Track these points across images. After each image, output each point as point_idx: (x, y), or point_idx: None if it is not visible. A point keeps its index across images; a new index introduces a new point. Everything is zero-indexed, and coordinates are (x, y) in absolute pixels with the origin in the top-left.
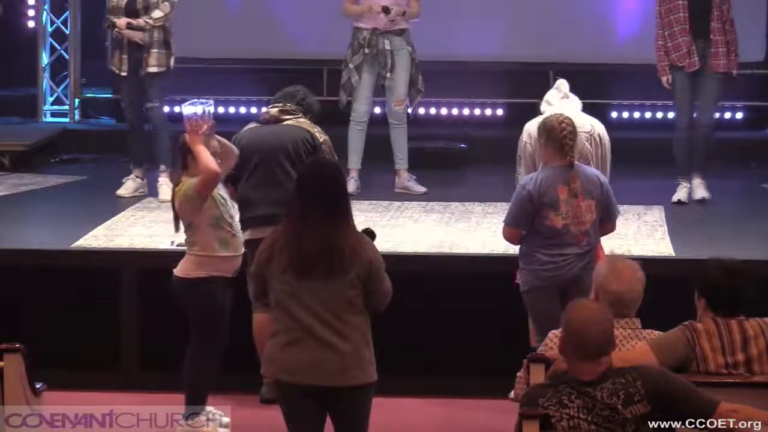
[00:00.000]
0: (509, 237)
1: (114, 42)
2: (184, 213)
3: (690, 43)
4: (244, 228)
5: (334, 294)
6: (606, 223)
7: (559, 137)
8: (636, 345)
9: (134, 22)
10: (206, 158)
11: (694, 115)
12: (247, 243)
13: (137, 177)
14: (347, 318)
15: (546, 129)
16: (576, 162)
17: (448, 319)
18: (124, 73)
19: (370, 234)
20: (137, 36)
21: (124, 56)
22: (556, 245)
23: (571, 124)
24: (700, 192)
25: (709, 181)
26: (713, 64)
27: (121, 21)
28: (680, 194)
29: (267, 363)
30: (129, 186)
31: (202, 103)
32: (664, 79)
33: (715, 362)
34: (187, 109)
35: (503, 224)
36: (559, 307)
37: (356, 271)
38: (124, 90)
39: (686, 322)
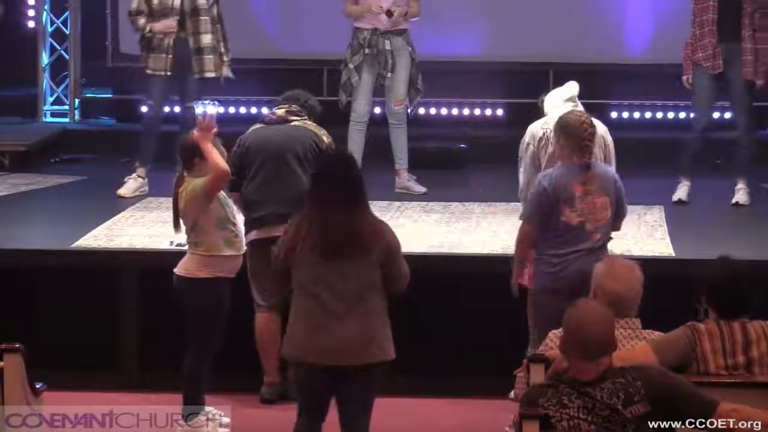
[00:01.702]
0: (523, 234)
1: (154, 41)
2: (189, 212)
3: (715, 44)
4: (249, 228)
5: (358, 276)
6: (615, 221)
7: (581, 137)
8: (636, 345)
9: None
10: (216, 157)
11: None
12: (252, 243)
13: (139, 177)
14: (369, 299)
15: (568, 128)
16: (592, 160)
17: (448, 319)
18: (168, 73)
19: None
20: (169, 25)
21: (170, 56)
22: (567, 243)
23: (593, 125)
24: (740, 197)
25: (751, 188)
26: (742, 70)
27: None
28: (680, 193)
29: (290, 345)
30: (130, 186)
31: (211, 103)
32: (684, 78)
33: (716, 363)
34: (199, 108)
35: (520, 221)
36: (563, 309)
37: (377, 253)
38: (157, 90)
39: (688, 323)
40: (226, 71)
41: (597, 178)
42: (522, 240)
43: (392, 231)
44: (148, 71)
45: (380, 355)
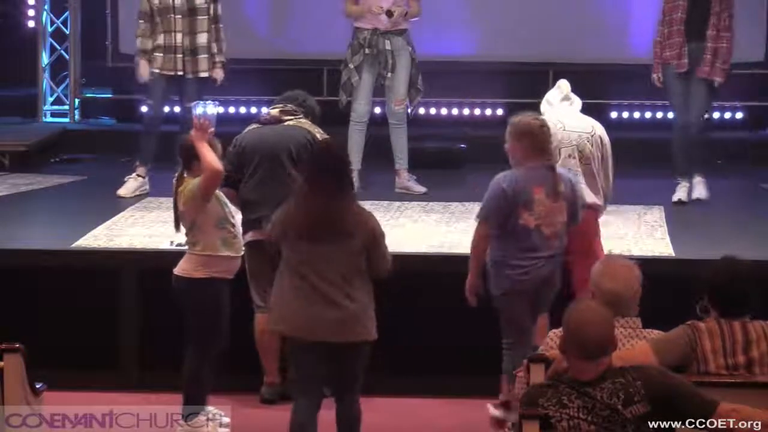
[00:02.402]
0: (479, 235)
1: (163, 45)
2: (188, 212)
3: (683, 43)
4: (246, 229)
5: (341, 259)
6: (571, 224)
7: (542, 139)
8: (636, 344)
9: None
10: (209, 156)
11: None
12: (250, 244)
13: (139, 176)
14: (353, 281)
15: (529, 130)
16: (551, 162)
17: (449, 319)
18: (180, 73)
19: None
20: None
21: (179, 56)
22: (528, 248)
23: (549, 127)
24: (698, 191)
25: (708, 180)
26: (698, 68)
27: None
28: (680, 194)
29: (280, 320)
30: (130, 186)
31: (212, 104)
32: (654, 76)
33: (716, 363)
34: (199, 108)
35: (476, 221)
36: (528, 311)
37: (360, 237)
38: (158, 90)
39: (689, 321)
40: (218, 73)
41: (559, 181)
42: (480, 242)
43: (375, 219)
44: (155, 70)
45: (364, 334)
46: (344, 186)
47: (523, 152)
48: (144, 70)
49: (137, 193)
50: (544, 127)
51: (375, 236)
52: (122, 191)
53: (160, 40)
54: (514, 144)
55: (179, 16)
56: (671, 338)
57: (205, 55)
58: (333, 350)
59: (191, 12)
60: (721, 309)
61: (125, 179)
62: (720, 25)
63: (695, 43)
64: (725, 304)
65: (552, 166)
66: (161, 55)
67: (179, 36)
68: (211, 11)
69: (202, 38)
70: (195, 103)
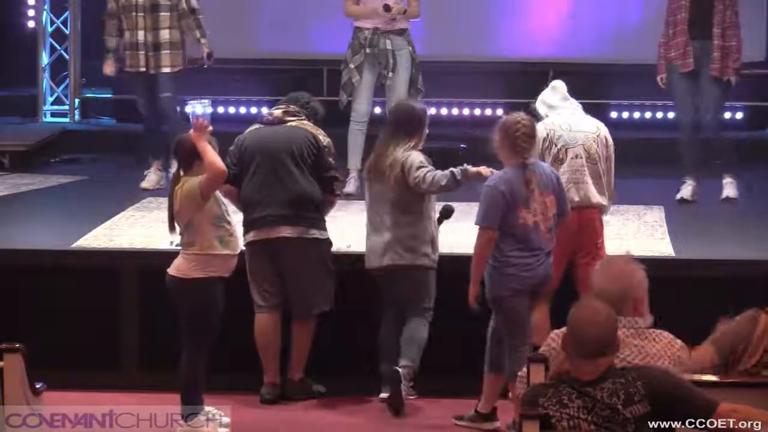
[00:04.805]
0: (485, 242)
1: (128, 42)
2: (185, 211)
3: (687, 43)
4: (248, 229)
5: (384, 196)
6: (561, 217)
7: (512, 137)
8: (640, 345)
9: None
10: (213, 156)
11: (698, 115)
12: (250, 245)
13: (158, 169)
14: (395, 215)
15: (503, 128)
16: (531, 160)
17: (449, 319)
18: (143, 69)
19: (448, 212)
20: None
21: (142, 53)
22: (528, 246)
23: (528, 126)
24: (727, 191)
25: (737, 180)
26: (710, 67)
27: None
28: (684, 192)
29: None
30: (153, 178)
31: (200, 103)
32: (659, 78)
33: (746, 365)
34: (197, 107)
35: (479, 229)
36: (530, 308)
37: (392, 178)
38: (139, 88)
39: (756, 309)
40: (204, 50)
41: (536, 176)
42: (486, 249)
43: (408, 156)
44: (129, 69)
45: (398, 260)
46: (393, 138)
47: (501, 149)
48: (107, 68)
49: (158, 186)
50: (518, 125)
51: (406, 167)
52: (146, 184)
53: (126, 37)
54: (497, 142)
55: (141, 14)
56: (733, 330)
57: (167, 51)
58: (384, 275)
59: (153, 8)
60: None
61: (145, 173)
62: (725, 24)
63: (700, 43)
64: None
65: (526, 163)
66: (128, 52)
67: (141, 33)
68: (183, 5)
69: (165, 34)
70: (190, 102)
